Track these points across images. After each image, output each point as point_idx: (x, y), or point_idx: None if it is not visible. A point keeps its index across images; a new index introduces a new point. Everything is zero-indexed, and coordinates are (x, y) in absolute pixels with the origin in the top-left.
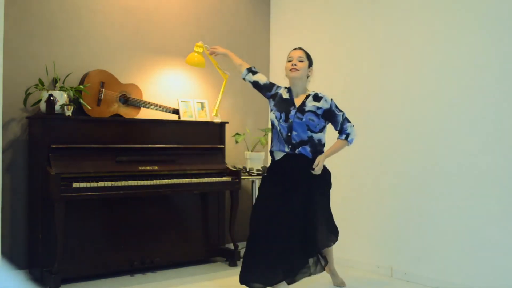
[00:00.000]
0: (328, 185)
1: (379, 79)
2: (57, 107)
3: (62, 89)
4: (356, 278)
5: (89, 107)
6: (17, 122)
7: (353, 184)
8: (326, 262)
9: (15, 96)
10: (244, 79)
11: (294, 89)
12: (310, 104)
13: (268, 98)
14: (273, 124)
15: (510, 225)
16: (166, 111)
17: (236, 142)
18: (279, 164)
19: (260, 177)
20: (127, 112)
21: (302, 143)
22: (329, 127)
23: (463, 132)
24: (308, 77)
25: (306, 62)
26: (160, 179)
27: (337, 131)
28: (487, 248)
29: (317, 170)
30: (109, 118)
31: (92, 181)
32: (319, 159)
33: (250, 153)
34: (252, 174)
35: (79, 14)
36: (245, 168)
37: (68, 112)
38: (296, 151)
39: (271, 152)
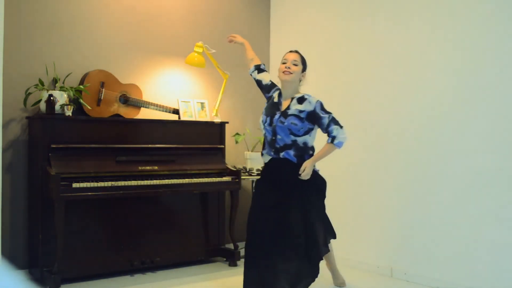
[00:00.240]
0: (319, 192)
1: (379, 79)
2: (57, 107)
3: (62, 89)
4: (356, 278)
5: (89, 107)
6: (17, 122)
7: (353, 185)
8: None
9: (15, 96)
10: (250, 74)
11: (284, 92)
12: (294, 108)
13: (267, 99)
14: None
15: (510, 225)
16: (166, 111)
17: (236, 142)
18: (267, 169)
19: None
20: (127, 112)
21: (286, 147)
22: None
23: (463, 132)
24: (300, 81)
25: (300, 67)
26: (160, 179)
27: (326, 134)
28: (487, 248)
29: (304, 176)
30: (109, 118)
31: (92, 181)
32: (305, 164)
33: (250, 153)
34: (252, 174)
35: (79, 14)
36: (245, 168)
37: (68, 112)
38: (281, 155)
39: (262, 155)
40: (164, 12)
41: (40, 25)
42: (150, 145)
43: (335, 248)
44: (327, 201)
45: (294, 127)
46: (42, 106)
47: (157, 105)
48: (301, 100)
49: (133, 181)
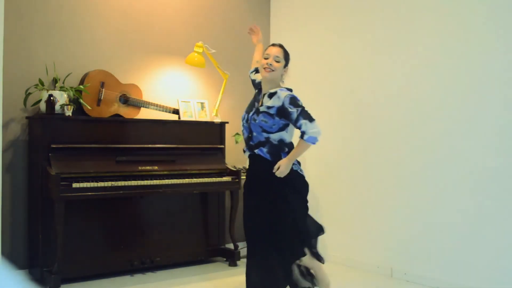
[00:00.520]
0: (295, 192)
1: (379, 79)
2: (57, 107)
3: (62, 89)
4: (356, 278)
5: (89, 107)
6: (17, 122)
7: (352, 185)
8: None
9: (15, 96)
10: (249, 75)
11: (264, 88)
12: (265, 104)
13: None
14: None
15: (510, 225)
16: (166, 111)
17: (236, 142)
18: (248, 166)
19: None
20: (127, 112)
21: (259, 144)
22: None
23: (463, 132)
24: (282, 75)
25: (283, 63)
26: (160, 179)
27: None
28: (487, 248)
29: (278, 174)
30: (109, 118)
31: (92, 181)
32: (280, 162)
33: None
34: None
35: (79, 14)
36: (245, 168)
37: (68, 112)
38: (255, 152)
39: (244, 152)
40: (164, 12)
41: (40, 25)
42: (150, 145)
43: (335, 249)
44: (327, 201)
45: (265, 124)
46: (42, 106)
47: (157, 105)
48: (271, 95)
49: (133, 181)
